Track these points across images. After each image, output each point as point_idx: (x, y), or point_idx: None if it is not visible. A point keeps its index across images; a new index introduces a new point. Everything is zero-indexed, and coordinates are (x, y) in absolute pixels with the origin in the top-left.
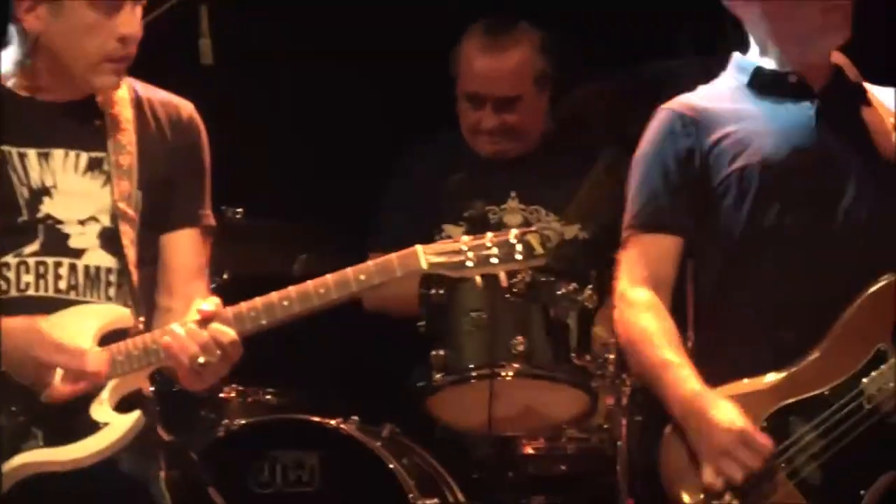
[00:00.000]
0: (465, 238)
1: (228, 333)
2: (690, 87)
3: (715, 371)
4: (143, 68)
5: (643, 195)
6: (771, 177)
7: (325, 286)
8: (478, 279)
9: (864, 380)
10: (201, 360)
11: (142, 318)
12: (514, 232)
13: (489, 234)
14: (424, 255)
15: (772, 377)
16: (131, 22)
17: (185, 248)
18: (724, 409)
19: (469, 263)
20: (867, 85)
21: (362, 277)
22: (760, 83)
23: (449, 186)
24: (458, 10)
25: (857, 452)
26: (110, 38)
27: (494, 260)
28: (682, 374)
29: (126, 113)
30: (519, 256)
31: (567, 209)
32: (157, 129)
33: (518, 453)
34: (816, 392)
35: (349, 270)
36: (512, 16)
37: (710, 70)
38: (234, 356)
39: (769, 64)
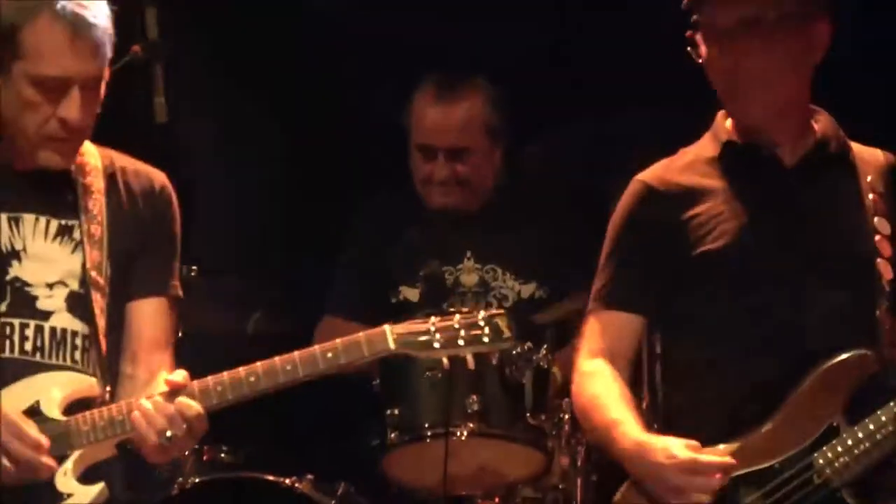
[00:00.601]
0: (434, 319)
1: (195, 408)
2: (643, 142)
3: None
4: (97, 126)
5: (610, 269)
6: (733, 263)
7: (292, 364)
8: (445, 360)
9: (816, 454)
10: (168, 434)
11: (108, 388)
12: (482, 315)
13: (457, 316)
14: (392, 336)
15: (724, 448)
16: (73, 107)
17: (151, 316)
18: (665, 448)
19: (436, 345)
20: (856, 146)
21: (330, 356)
22: (729, 158)
23: (403, 245)
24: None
25: None
26: (52, 118)
27: (462, 342)
28: (627, 429)
29: (98, 183)
30: (486, 339)
31: (523, 267)
32: (129, 199)
33: None
34: (767, 464)
35: (317, 349)
36: (464, 71)
37: (662, 127)
38: (199, 431)
39: (742, 128)
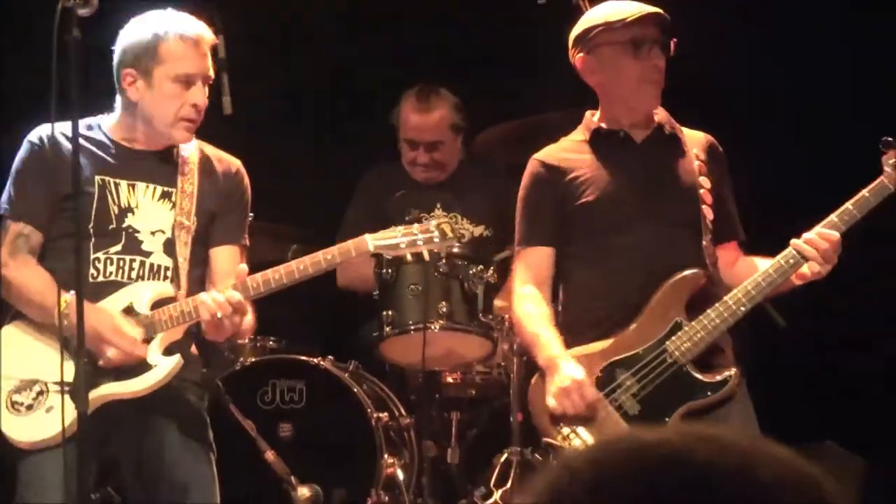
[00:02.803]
0: (400, 228)
1: (236, 296)
2: (563, 130)
3: (573, 339)
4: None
5: (525, 220)
6: (603, 211)
7: (303, 264)
8: (409, 257)
9: (667, 342)
10: (219, 315)
11: (181, 291)
12: (433, 222)
13: (416, 225)
14: (371, 242)
15: (604, 343)
16: (201, 94)
17: (226, 258)
18: (569, 367)
19: (402, 245)
20: (685, 130)
21: (329, 257)
22: (597, 140)
23: (394, 200)
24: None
25: (662, 392)
26: (186, 104)
27: (419, 242)
28: (546, 343)
29: (192, 164)
30: (436, 239)
31: (476, 215)
32: (213, 176)
33: (442, 382)
34: (634, 351)
35: (320, 253)
36: (434, 83)
37: (579, 118)
38: (242, 313)
39: (609, 119)
